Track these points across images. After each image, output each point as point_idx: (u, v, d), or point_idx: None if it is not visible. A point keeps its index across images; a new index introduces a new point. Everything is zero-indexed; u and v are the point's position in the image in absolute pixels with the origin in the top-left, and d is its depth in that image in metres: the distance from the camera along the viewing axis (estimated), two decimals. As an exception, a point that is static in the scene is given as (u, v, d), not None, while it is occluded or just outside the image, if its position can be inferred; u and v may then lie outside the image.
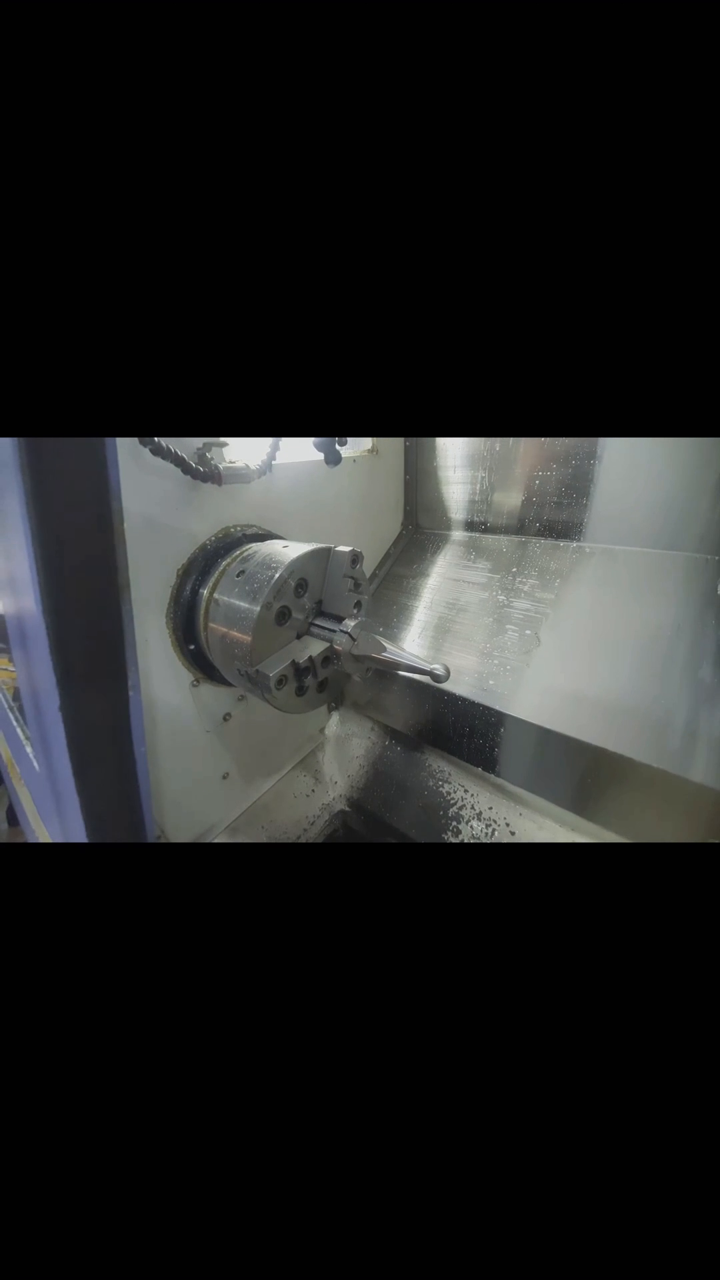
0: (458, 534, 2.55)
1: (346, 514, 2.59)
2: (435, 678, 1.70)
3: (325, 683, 2.06)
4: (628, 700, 1.81)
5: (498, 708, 2.04)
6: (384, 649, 1.90)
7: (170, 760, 2.14)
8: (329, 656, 2.01)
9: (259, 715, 2.42)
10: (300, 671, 1.99)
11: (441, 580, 2.44)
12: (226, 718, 2.34)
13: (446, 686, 2.12)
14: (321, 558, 2.00)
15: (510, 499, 2.33)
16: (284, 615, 2.00)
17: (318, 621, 2.06)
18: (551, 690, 1.97)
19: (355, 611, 2.03)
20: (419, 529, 2.74)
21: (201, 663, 2.15)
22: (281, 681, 1.96)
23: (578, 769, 1.88)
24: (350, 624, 1.94)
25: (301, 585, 2.00)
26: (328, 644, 2.00)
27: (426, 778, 2.36)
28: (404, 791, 2.35)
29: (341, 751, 2.69)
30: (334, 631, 1.97)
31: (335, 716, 2.80)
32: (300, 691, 2.00)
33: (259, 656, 1.92)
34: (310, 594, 2.04)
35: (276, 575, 1.92)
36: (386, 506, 2.79)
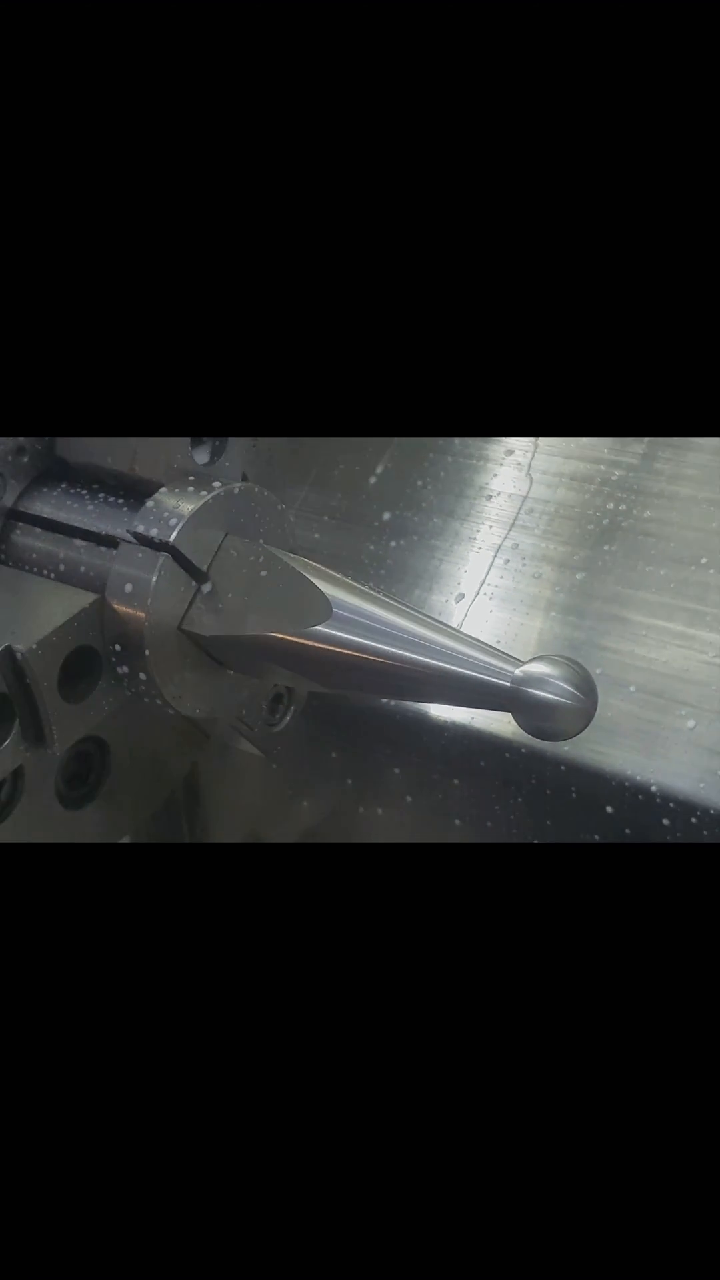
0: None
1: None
2: (536, 713, 0.66)
3: (91, 767, 0.84)
4: None
5: None
6: (325, 609, 0.72)
7: None
8: (92, 651, 0.73)
9: None
10: None
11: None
12: None
13: (616, 759, 0.85)
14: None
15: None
16: None
17: (37, 507, 0.78)
18: None
19: (201, 461, 0.80)
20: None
21: None
22: None
23: None
24: (180, 508, 0.73)
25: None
26: (89, 599, 0.73)
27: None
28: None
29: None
30: (110, 545, 0.75)
31: None
32: None
33: None
34: None
35: None
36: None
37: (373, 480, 0.98)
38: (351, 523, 0.96)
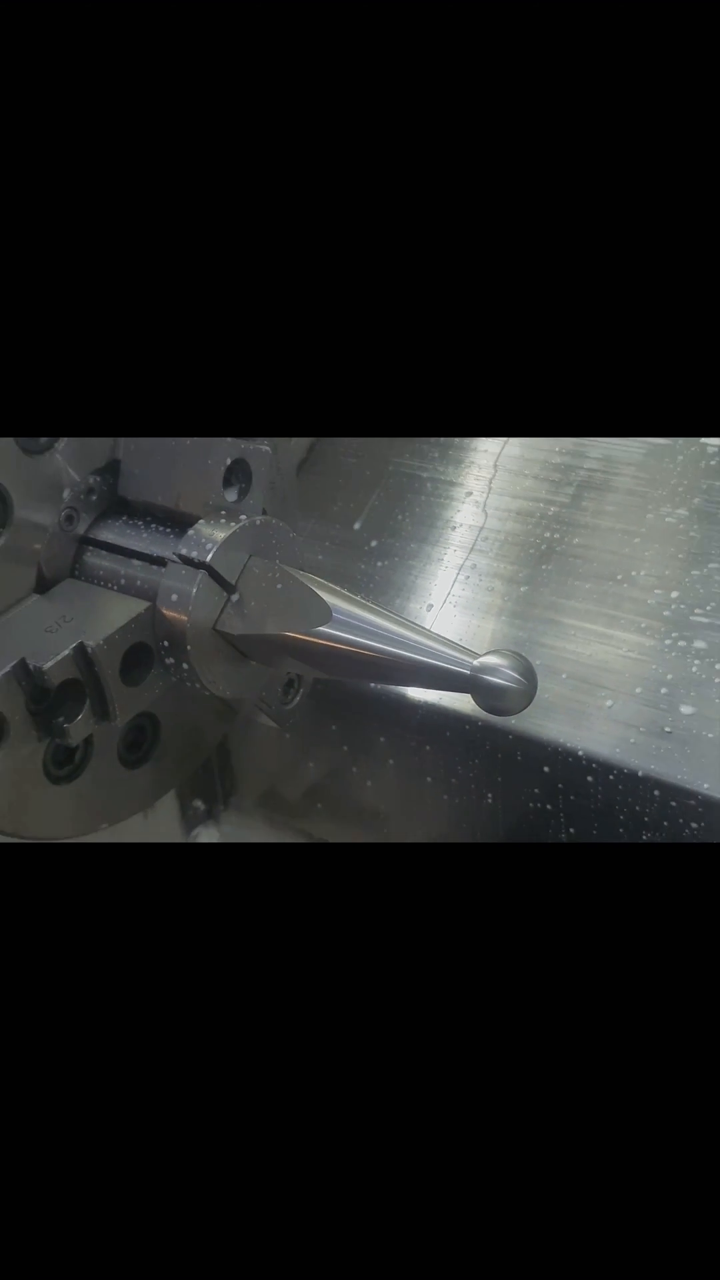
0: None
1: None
2: (490, 695, 0.61)
3: (146, 733, 0.78)
4: None
5: (708, 789, 0.73)
6: (325, 613, 0.66)
7: None
8: (146, 646, 0.68)
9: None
10: (50, 698, 0.65)
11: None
12: None
13: (551, 730, 0.80)
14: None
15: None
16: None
17: (104, 534, 0.72)
18: None
19: (230, 499, 0.72)
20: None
21: None
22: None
23: None
24: (213, 535, 0.67)
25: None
26: (143, 605, 0.68)
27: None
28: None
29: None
30: (160, 563, 0.70)
31: (209, 840, 1.12)
32: (64, 765, 0.71)
33: None
34: (79, 445, 0.69)
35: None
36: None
37: (363, 515, 0.95)
38: (347, 547, 0.93)
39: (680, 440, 0.86)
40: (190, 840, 1.09)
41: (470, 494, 0.89)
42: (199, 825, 1.07)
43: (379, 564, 0.90)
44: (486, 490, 0.89)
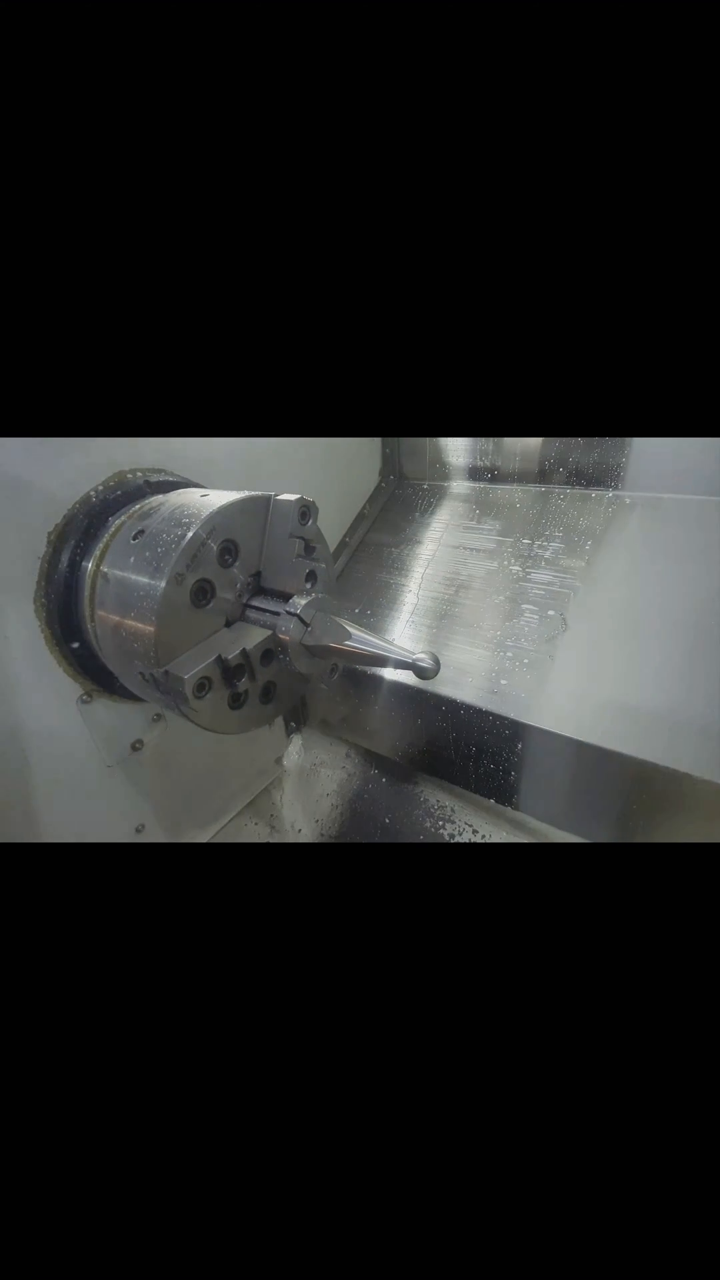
0: (457, 485, 0.96)
1: (301, 459, 0.88)
2: (420, 672, 0.57)
3: (270, 689, 0.68)
4: (685, 700, 0.63)
5: (513, 716, 0.74)
6: (347, 635, 0.62)
7: (53, 813, 0.64)
8: (271, 649, 0.64)
9: (184, 741, 0.80)
10: (230, 672, 0.62)
11: (435, 548, 0.95)
12: (136, 746, 0.76)
13: (446, 691, 0.79)
14: (257, 511, 0.63)
15: (526, 437, 0.87)
16: (204, 593, 0.62)
17: (255, 602, 0.67)
18: (586, 691, 0.70)
19: (308, 586, 0.68)
20: (403, 480, 1.02)
21: (91, 668, 0.68)
22: (203, 687, 0.60)
23: (621, 794, 0.66)
24: (300, 602, 0.63)
25: (229, 550, 0.63)
26: (269, 632, 0.64)
27: (422, 817, 0.88)
28: (392, 839, 0.88)
29: (306, 788, 0.99)
30: (278, 614, 0.64)
31: (297, 741, 1.04)
32: (236, 702, 0.65)
33: (168, 652, 0.58)
34: (243, 563, 0.65)
35: (189, 535, 0.58)
36: (357, 452, 0.97)
37: (365, 597, 0.96)
38: (356, 613, 0.95)
39: (503, 567, 0.88)
40: (289, 740, 1.01)
41: (411, 590, 0.93)
42: (292, 734, 1.03)
43: (370, 617, 0.94)
44: (419, 589, 0.93)
